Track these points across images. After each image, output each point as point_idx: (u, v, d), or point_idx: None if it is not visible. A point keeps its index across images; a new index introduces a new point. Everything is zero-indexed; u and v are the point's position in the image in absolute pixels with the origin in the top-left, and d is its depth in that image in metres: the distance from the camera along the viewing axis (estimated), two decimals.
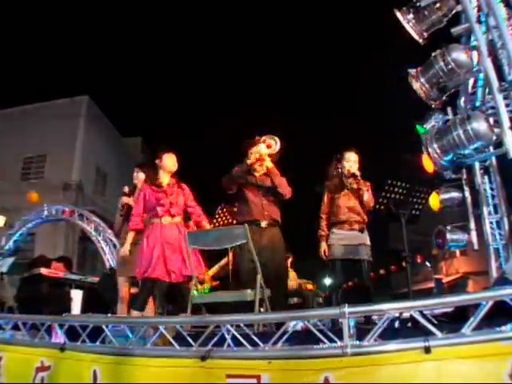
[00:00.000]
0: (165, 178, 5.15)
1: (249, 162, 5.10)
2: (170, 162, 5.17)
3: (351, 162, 5.57)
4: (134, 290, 5.58)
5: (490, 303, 2.85)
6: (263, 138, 5.12)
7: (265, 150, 5.10)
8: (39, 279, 6.45)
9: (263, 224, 4.93)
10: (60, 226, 16.29)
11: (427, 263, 27.12)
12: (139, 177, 5.74)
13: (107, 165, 21.63)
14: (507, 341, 2.63)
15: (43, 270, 6.61)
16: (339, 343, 2.95)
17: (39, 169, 19.38)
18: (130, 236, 5.10)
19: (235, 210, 5.17)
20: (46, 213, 12.79)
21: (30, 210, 13.35)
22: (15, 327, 4.24)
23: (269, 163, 5.12)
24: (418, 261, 28.22)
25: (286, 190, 5.18)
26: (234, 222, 6.14)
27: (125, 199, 5.68)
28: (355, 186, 5.53)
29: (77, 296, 6.97)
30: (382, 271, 31.36)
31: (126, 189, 5.81)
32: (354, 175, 5.49)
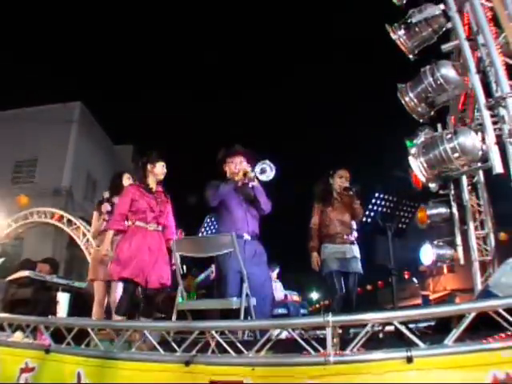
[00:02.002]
0: (153, 185, 5.14)
1: (237, 178, 5.08)
2: (161, 169, 5.17)
3: (343, 178, 5.66)
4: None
5: (473, 315, 2.89)
6: (260, 163, 5.04)
7: (248, 168, 5.07)
8: (26, 282, 6.42)
9: (246, 236, 4.93)
10: (48, 231, 16.22)
11: (414, 279, 27.17)
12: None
13: (98, 171, 21.60)
14: (488, 352, 2.67)
15: (30, 273, 6.58)
16: (322, 351, 2.98)
17: (30, 173, 19.33)
18: (110, 235, 4.94)
19: (218, 221, 5.15)
20: (35, 217, 12.76)
21: (19, 214, 13.31)
22: (0, 328, 4.22)
23: (255, 182, 5.11)
24: (406, 277, 28.28)
25: (267, 206, 5.20)
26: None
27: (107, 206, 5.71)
28: (347, 200, 5.60)
29: (63, 299, 6.94)
30: (368, 287, 31.45)
31: (107, 194, 5.83)
32: (346, 189, 5.57)
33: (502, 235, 11.40)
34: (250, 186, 5.12)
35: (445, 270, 21.43)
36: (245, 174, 5.04)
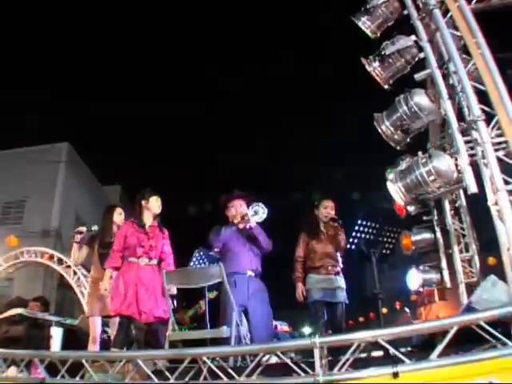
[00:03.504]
0: (148, 220, 5.23)
1: (236, 221, 5.32)
2: (156, 204, 5.28)
3: (328, 208, 5.80)
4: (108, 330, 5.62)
5: (455, 329, 2.99)
6: (253, 206, 5.28)
7: (247, 211, 5.29)
8: (18, 320, 6.42)
9: (249, 273, 5.12)
10: (38, 271, 16.16)
11: (406, 309, 27.10)
12: (121, 219, 5.89)
13: (86, 212, 21.53)
14: (472, 363, 2.78)
15: (22, 311, 6.58)
16: (311, 372, 3.05)
17: (18, 214, 19.25)
18: (108, 274, 5.06)
19: (222, 261, 5.28)
20: (25, 256, 12.75)
21: (9, 254, 13.30)
22: None
23: (253, 223, 5.29)
24: (397, 307, 28.22)
25: (267, 244, 5.40)
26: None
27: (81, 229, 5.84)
28: (332, 232, 5.73)
29: (56, 333, 6.93)
30: (361, 318, 31.35)
31: (96, 227, 5.95)
32: (332, 219, 5.70)
33: (491, 259, 11.53)
34: (248, 227, 5.31)
35: (436, 298, 21.52)
36: (243, 217, 5.29)
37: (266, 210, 5.22)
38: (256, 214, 5.21)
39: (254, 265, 5.21)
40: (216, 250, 5.46)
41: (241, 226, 5.32)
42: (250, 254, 5.25)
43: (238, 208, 5.44)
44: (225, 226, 5.36)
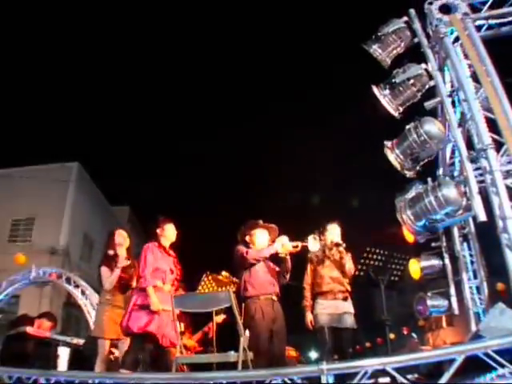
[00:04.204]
0: (167, 247, 5.27)
1: (276, 247, 5.24)
2: (172, 231, 5.31)
3: (334, 233, 5.82)
4: (115, 351, 5.61)
5: (462, 357, 2.99)
6: (311, 237, 5.30)
7: (289, 244, 5.28)
8: (25, 337, 6.43)
9: (274, 297, 5.14)
10: (45, 290, 16.18)
11: (413, 335, 26.84)
12: (127, 241, 5.89)
13: (94, 232, 21.62)
14: None
15: (29, 329, 6.59)
16: None
17: (27, 231, 19.31)
18: (152, 292, 4.91)
19: (247, 280, 5.29)
20: (33, 274, 12.76)
21: (17, 272, 13.32)
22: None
23: (287, 253, 5.33)
24: (405, 332, 27.97)
25: (289, 275, 5.42)
26: (220, 289, 6.37)
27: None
28: (338, 257, 5.74)
29: (63, 353, 6.93)
30: (368, 344, 31.06)
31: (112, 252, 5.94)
32: (337, 244, 5.72)
33: (500, 285, 11.46)
34: (287, 257, 5.35)
35: (444, 324, 21.41)
36: (283, 246, 5.25)
37: (318, 242, 5.30)
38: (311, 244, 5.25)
39: (277, 289, 5.23)
40: (250, 263, 5.35)
41: (284, 255, 5.32)
42: (274, 279, 5.26)
43: (260, 236, 5.42)
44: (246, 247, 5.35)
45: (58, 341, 6.99)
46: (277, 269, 5.34)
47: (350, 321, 5.56)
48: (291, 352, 8.85)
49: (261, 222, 5.49)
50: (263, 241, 5.39)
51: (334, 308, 5.54)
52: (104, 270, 5.67)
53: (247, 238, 5.42)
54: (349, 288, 5.71)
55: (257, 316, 4.88)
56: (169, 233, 5.28)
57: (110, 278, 5.61)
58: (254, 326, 4.86)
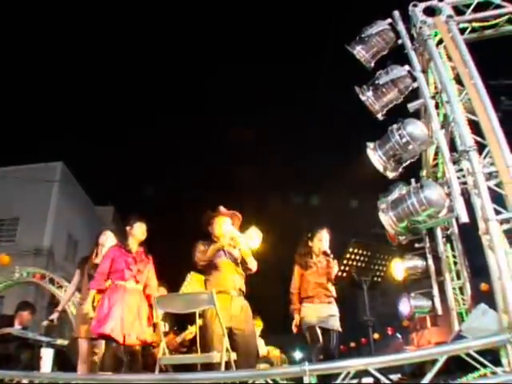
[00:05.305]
0: (134, 245, 5.30)
1: (225, 241, 5.24)
2: (140, 230, 5.34)
3: (322, 241, 5.88)
4: (97, 351, 5.59)
5: (445, 358, 3.01)
6: (250, 229, 5.29)
7: (236, 234, 5.29)
8: (8, 339, 6.39)
9: (233, 293, 5.07)
10: (29, 290, 16.06)
11: (398, 335, 27.02)
12: (108, 242, 5.93)
13: (79, 232, 21.52)
14: None
15: (12, 330, 6.55)
16: None
17: (11, 231, 19.17)
18: (92, 295, 5.09)
19: (206, 279, 5.27)
20: (16, 275, 12.70)
21: (0, 272, 13.24)
22: None
23: (241, 246, 5.29)
24: (389, 333, 28.13)
25: (253, 266, 5.38)
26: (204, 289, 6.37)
27: None
28: (324, 264, 5.80)
29: (47, 354, 6.90)
30: (352, 344, 31.19)
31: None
32: (324, 253, 5.79)
33: (483, 286, 11.58)
34: (238, 249, 5.31)
35: (428, 324, 21.57)
36: (232, 239, 5.26)
37: (260, 236, 5.25)
38: (251, 239, 5.24)
39: (237, 284, 5.15)
40: (201, 267, 5.33)
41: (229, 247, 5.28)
42: (234, 273, 5.20)
43: (222, 225, 5.34)
44: (207, 242, 5.31)
45: (41, 342, 6.95)
46: (238, 260, 5.27)
47: (336, 324, 5.65)
48: (274, 352, 8.92)
49: (222, 208, 5.45)
50: (224, 229, 5.30)
51: (320, 311, 5.62)
52: (77, 272, 5.81)
53: (209, 229, 5.39)
54: (334, 293, 5.77)
55: (209, 314, 4.83)
56: (136, 231, 5.32)
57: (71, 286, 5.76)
58: (207, 325, 4.83)
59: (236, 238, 5.24)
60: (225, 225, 5.34)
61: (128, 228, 5.33)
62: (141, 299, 5.07)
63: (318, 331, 5.48)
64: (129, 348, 4.92)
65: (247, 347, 4.88)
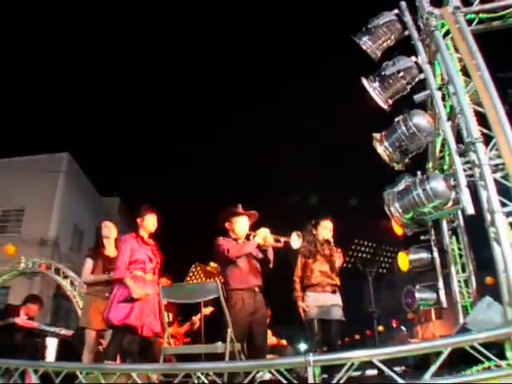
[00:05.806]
0: (144, 237, 5.26)
1: (257, 241, 5.16)
2: (151, 222, 5.29)
3: (326, 229, 5.88)
4: (103, 341, 5.62)
5: (449, 350, 3.00)
6: (294, 234, 5.25)
7: (270, 238, 5.22)
8: (13, 329, 6.42)
9: (256, 289, 5.08)
10: (35, 281, 16.12)
11: (403, 328, 27.11)
12: (112, 233, 5.94)
13: (84, 223, 21.53)
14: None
15: (17, 320, 6.59)
16: None
17: (17, 222, 19.22)
18: (131, 282, 4.88)
19: (229, 273, 5.25)
20: (22, 265, 12.75)
21: (6, 263, 13.29)
22: None
23: (270, 246, 5.27)
24: (394, 325, 28.23)
25: (272, 263, 5.38)
26: (208, 280, 6.41)
27: None
28: (328, 252, 5.79)
29: (52, 344, 6.94)
30: (357, 336, 31.32)
31: None
32: (327, 242, 5.77)
33: (489, 279, 11.58)
34: (269, 248, 5.31)
35: (433, 317, 21.58)
36: (264, 239, 5.20)
37: (300, 238, 5.24)
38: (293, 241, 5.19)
39: (259, 281, 5.18)
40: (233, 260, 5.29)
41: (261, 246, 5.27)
42: (256, 269, 5.22)
43: (243, 224, 5.33)
44: (227, 238, 5.28)
45: (46, 332, 6.99)
46: (259, 256, 5.26)
47: (338, 313, 5.65)
48: (282, 342, 9.06)
49: (240, 207, 5.42)
50: (243, 228, 5.32)
51: (323, 300, 5.61)
52: (87, 261, 5.77)
53: (227, 225, 5.36)
54: (337, 282, 5.77)
55: (237, 306, 4.84)
56: (147, 223, 5.26)
57: (88, 275, 5.71)
58: (232, 315, 4.86)
59: (268, 239, 5.21)
60: (243, 224, 5.32)
61: (139, 220, 5.24)
62: (155, 291, 5.03)
63: (316, 324, 5.50)
64: (143, 339, 4.96)
65: (263, 342, 4.98)
